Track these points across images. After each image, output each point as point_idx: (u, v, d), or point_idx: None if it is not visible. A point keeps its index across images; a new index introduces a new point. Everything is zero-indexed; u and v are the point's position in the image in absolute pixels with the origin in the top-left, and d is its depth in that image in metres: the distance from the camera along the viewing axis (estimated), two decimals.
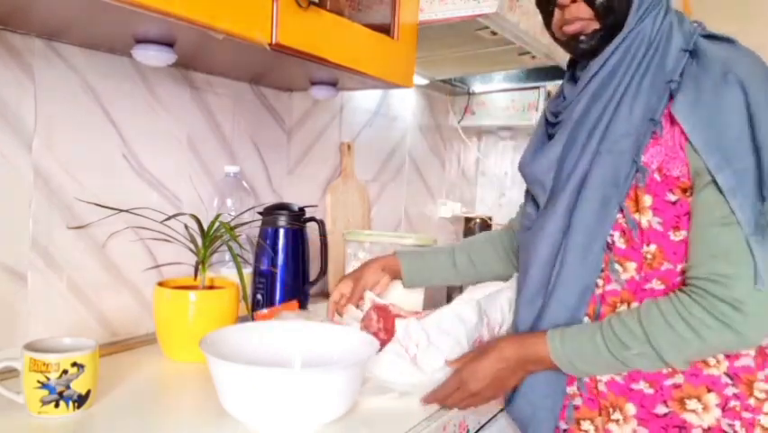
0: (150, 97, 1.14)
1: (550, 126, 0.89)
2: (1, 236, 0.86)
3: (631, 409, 0.80)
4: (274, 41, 0.91)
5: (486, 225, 2.27)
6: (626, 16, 0.79)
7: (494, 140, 2.46)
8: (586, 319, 0.82)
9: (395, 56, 1.20)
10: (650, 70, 0.78)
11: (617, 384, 0.81)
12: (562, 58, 1.48)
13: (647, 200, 0.76)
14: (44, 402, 0.74)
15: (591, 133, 0.80)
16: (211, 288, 1.02)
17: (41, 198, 0.98)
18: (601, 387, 0.82)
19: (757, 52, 0.77)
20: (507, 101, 2.10)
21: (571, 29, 0.81)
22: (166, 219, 0.98)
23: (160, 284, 1.00)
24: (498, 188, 2.45)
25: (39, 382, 0.74)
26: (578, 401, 0.84)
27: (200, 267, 1.00)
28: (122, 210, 0.94)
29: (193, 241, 1.00)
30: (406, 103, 1.94)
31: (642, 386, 0.79)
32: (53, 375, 0.74)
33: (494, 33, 1.33)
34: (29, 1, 0.78)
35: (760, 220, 0.70)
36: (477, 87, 2.12)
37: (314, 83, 1.27)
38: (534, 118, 2.03)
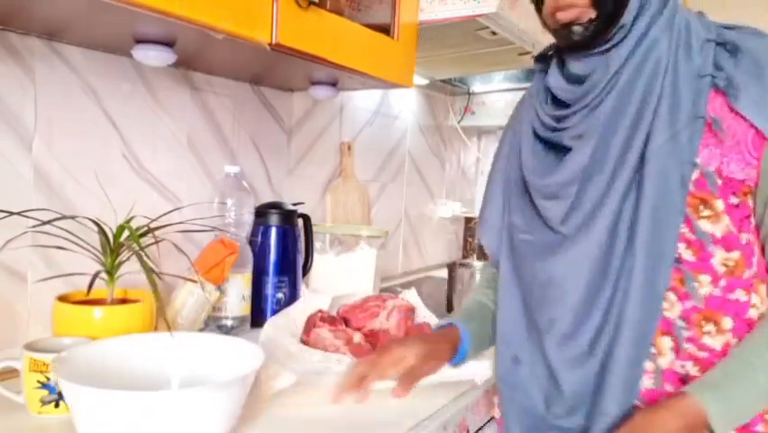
0: (150, 97, 1.14)
1: (549, 132, 0.79)
2: (1, 236, 0.86)
3: None
4: (274, 41, 0.91)
5: None
6: (623, 7, 0.71)
7: (494, 140, 2.46)
8: (664, 346, 0.73)
9: (395, 56, 1.20)
10: (679, 65, 0.71)
11: None
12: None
13: (719, 205, 0.69)
14: (44, 402, 0.74)
15: (629, 139, 0.72)
16: (123, 301, 0.89)
17: (41, 198, 0.98)
18: None
19: None
20: (507, 101, 2.10)
21: (565, 16, 0.72)
22: (40, 225, 0.82)
23: (61, 298, 0.86)
24: None
25: (39, 382, 0.74)
26: None
27: (108, 279, 0.86)
28: (13, 213, 0.81)
29: (104, 249, 0.87)
30: (406, 103, 1.94)
31: None
32: (53, 375, 0.74)
33: (494, 33, 1.33)
34: (29, 1, 0.78)
35: None
36: (477, 87, 2.12)
37: (314, 83, 1.27)
38: None
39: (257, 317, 1.17)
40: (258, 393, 0.86)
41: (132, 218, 0.89)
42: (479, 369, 0.95)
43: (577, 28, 0.73)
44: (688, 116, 0.70)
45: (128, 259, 0.87)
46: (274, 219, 1.22)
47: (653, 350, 0.72)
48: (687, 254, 0.71)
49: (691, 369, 0.72)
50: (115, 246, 0.87)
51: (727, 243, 0.70)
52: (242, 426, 0.75)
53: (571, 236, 0.76)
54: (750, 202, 0.69)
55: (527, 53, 1.49)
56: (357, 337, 1.03)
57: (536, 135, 0.81)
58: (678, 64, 0.71)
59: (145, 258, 0.81)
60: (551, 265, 0.78)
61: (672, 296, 0.71)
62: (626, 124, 0.72)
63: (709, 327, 0.71)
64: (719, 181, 0.69)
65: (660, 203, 0.70)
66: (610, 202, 0.73)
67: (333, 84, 1.26)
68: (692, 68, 0.71)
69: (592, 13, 0.71)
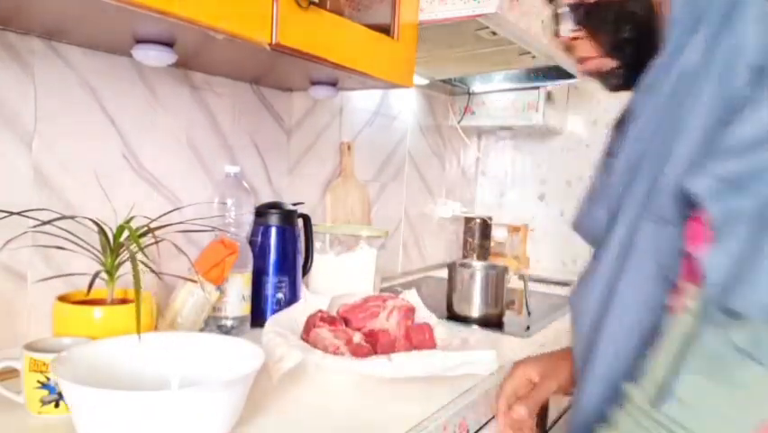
0: (150, 97, 1.14)
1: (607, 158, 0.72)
2: (1, 236, 0.86)
3: None
4: (274, 41, 0.91)
5: (486, 225, 2.27)
6: (654, 43, 0.61)
7: (494, 140, 2.46)
8: None
9: (395, 56, 1.20)
10: (700, 108, 0.55)
11: None
12: (563, 58, 1.48)
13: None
14: (44, 402, 0.74)
15: (635, 189, 0.62)
16: (123, 301, 0.89)
17: (41, 198, 0.98)
18: None
19: None
20: (507, 101, 2.10)
21: (584, 68, 0.68)
22: (40, 225, 0.82)
23: (61, 298, 0.86)
24: (497, 188, 2.45)
25: (39, 382, 0.74)
26: None
27: (108, 279, 0.87)
28: (13, 213, 0.81)
29: (104, 250, 0.86)
30: (406, 103, 1.94)
31: None
32: (53, 375, 0.74)
33: (494, 33, 1.33)
34: (29, 1, 0.78)
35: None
36: (477, 87, 2.11)
37: (314, 83, 1.27)
38: (534, 118, 2.03)
39: (257, 317, 1.17)
40: (267, 379, 0.86)
41: (132, 218, 0.89)
42: (484, 360, 0.95)
43: (607, 76, 0.67)
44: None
45: (128, 259, 0.86)
46: (274, 219, 1.22)
47: None
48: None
49: None
50: (115, 246, 0.87)
51: None
52: (242, 425, 0.75)
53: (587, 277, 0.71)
54: None
55: (527, 53, 1.49)
56: (357, 337, 1.03)
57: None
58: (700, 107, 0.56)
59: (139, 260, 0.80)
60: (573, 300, 0.76)
61: None
62: (632, 175, 0.63)
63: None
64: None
65: (641, 268, 0.62)
66: (611, 250, 0.65)
67: (333, 84, 1.26)
68: (725, 111, 0.54)
69: (611, 63, 0.66)
